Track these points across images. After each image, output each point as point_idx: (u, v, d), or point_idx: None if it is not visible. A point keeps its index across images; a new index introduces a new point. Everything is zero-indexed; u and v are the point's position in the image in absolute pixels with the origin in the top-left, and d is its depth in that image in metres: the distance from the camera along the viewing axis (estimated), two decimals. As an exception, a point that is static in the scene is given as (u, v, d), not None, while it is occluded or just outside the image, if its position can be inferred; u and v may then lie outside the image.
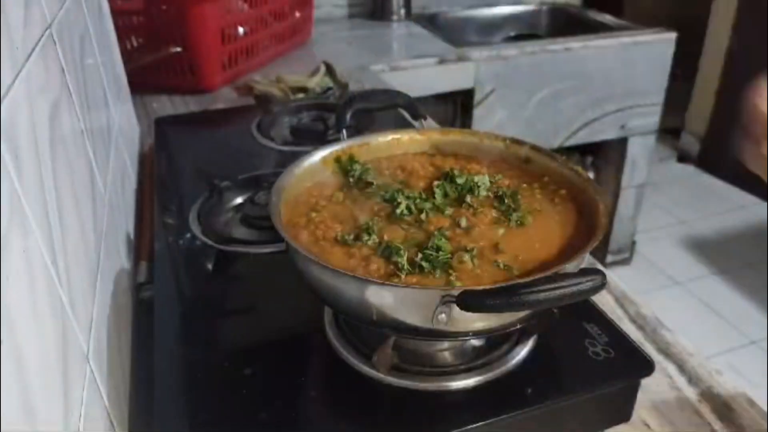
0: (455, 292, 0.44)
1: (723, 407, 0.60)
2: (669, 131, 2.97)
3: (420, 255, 0.51)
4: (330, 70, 1.40)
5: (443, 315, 0.46)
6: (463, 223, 0.57)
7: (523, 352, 0.57)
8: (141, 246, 0.81)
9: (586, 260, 0.51)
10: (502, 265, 0.51)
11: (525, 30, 2.21)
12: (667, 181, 2.82)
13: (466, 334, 0.50)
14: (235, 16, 1.42)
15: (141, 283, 0.73)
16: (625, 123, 1.94)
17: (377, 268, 0.51)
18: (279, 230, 0.52)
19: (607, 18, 2.07)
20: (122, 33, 1.26)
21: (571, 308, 0.47)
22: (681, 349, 0.67)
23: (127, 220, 0.83)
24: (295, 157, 0.64)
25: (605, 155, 2.11)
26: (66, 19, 0.64)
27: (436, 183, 0.62)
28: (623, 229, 2.20)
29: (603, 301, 0.72)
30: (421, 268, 0.50)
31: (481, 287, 0.46)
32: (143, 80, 1.32)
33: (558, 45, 1.75)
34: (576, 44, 1.76)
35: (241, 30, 1.44)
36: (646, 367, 0.56)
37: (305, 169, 0.64)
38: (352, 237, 0.54)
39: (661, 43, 1.85)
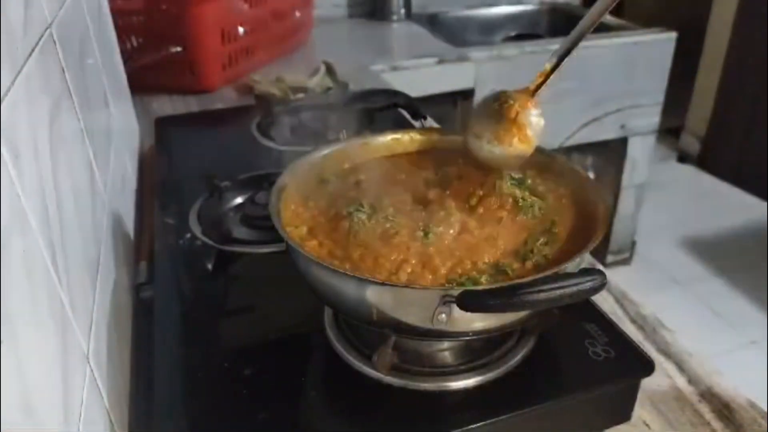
0: (455, 292, 0.44)
1: (723, 407, 0.60)
2: (669, 131, 2.97)
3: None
4: (330, 70, 1.40)
5: (443, 315, 0.46)
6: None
7: (523, 352, 0.57)
8: (141, 246, 0.81)
9: (586, 260, 0.51)
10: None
11: (525, 30, 2.21)
12: (667, 181, 2.81)
13: (466, 334, 0.50)
14: (235, 16, 1.42)
15: (141, 283, 0.73)
16: (625, 123, 1.94)
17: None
18: (279, 230, 0.52)
19: (607, 18, 2.06)
20: (122, 33, 1.26)
21: (571, 308, 0.47)
22: (681, 349, 0.67)
23: (127, 220, 0.83)
24: (295, 157, 0.64)
25: (605, 155, 2.11)
26: (66, 19, 0.63)
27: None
28: (623, 229, 2.20)
29: (603, 301, 0.72)
30: None
31: (481, 287, 0.46)
32: (143, 80, 1.32)
33: (558, 45, 1.75)
34: (576, 44, 1.76)
35: (241, 30, 1.43)
36: (646, 367, 0.56)
37: (305, 169, 0.64)
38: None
39: (661, 43, 1.85)
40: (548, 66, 0.59)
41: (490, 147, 0.58)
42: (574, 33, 0.57)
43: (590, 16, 0.56)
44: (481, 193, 0.57)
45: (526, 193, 0.58)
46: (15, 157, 0.37)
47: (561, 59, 0.58)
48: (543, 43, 1.78)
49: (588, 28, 0.57)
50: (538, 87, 0.59)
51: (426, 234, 0.53)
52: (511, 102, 0.58)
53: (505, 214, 0.56)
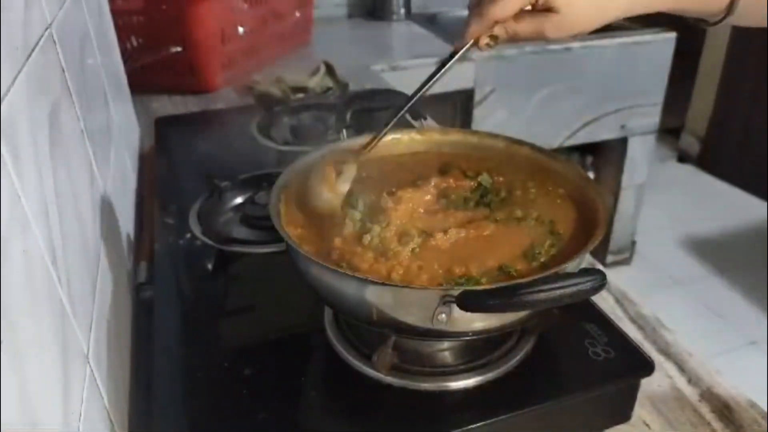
0: (455, 292, 0.44)
1: (723, 407, 0.60)
2: (669, 131, 2.96)
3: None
4: (330, 70, 1.40)
5: (443, 315, 0.46)
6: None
7: (523, 352, 0.57)
8: (141, 246, 0.81)
9: (586, 260, 0.51)
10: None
11: (525, 30, 2.21)
12: (667, 181, 2.81)
13: (466, 334, 0.50)
14: (235, 16, 1.42)
15: (141, 283, 0.73)
16: (625, 123, 1.94)
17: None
18: (279, 230, 0.52)
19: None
20: (122, 33, 1.26)
21: (571, 308, 0.47)
22: (681, 349, 0.67)
23: (127, 220, 0.83)
24: (295, 157, 0.64)
25: (605, 155, 2.11)
26: (66, 19, 0.63)
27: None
28: (623, 229, 2.20)
29: (603, 301, 0.72)
30: None
31: (481, 287, 0.46)
32: (143, 80, 1.32)
33: (558, 45, 1.75)
34: (576, 44, 1.76)
35: (241, 30, 1.43)
36: (646, 367, 0.56)
37: (305, 169, 0.64)
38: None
39: (661, 43, 1.85)
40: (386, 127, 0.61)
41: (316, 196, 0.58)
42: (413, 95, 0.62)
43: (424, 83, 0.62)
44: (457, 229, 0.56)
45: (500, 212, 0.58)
46: (15, 157, 0.37)
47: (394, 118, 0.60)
48: (542, 43, 1.78)
49: (422, 91, 0.62)
50: (369, 144, 0.62)
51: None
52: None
53: (489, 231, 0.56)
